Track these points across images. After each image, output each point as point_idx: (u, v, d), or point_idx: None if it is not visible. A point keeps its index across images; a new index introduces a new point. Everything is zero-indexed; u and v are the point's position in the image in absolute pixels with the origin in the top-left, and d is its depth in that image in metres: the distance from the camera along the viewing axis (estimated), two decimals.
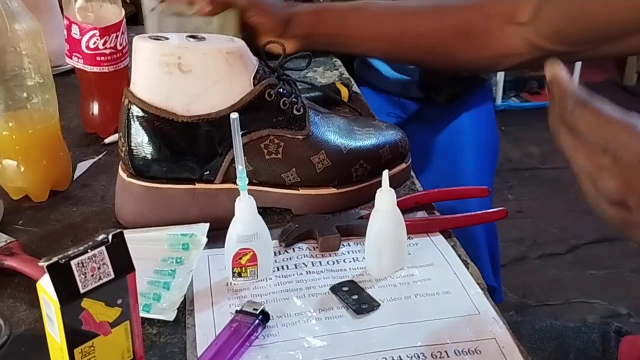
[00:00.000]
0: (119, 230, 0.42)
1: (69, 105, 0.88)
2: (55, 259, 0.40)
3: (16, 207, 0.72)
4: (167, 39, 0.64)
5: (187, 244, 0.64)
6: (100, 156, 0.82)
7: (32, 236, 0.68)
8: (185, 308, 0.58)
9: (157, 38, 0.64)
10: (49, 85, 0.71)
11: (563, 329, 0.84)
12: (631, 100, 3.05)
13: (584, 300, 1.90)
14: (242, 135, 0.66)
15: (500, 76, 2.92)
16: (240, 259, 0.60)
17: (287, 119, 0.67)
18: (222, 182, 0.67)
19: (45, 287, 0.41)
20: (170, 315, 0.56)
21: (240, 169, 0.57)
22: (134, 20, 1.25)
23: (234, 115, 0.56)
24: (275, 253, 0.64)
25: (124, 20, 0.83)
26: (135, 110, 0.65)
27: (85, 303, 0.41)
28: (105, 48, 0.81)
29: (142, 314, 0.55)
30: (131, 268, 0.43)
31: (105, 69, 0.82)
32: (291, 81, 0.70)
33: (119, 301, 0.43)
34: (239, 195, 0.59)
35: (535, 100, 3.04)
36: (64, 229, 0.69)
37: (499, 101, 2.97)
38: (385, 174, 0.59)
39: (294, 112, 0.68)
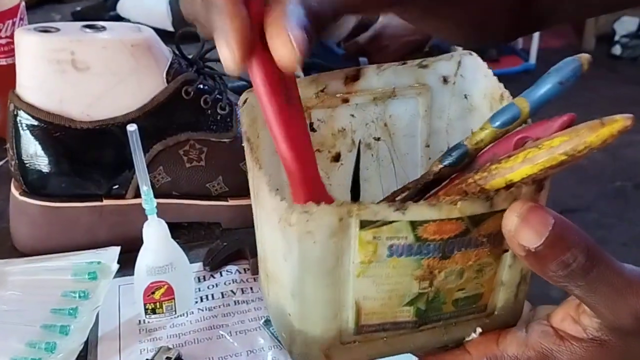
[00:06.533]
0: None
1: None
2: None
3: None
4: (58, 30, 0.54)
5: (94, 272, 0.54)
6: (0, 163, 0.71)
7: None
8: (87, 354, 0.49)
9: (45, 30, 0.53)
10: None
11: None
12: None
13: None
14: (157, 141, 0.56)
15: None
16: (153, 293, 0.50)
17: (209, 120, 0.58)
18: (135, 197, 0.57)
19: None
20: None
21: (146, 189, 0.48)
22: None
23: (132, 128, 0.45)
24: (199, 279, 0.55)
25: (23, 3, 0.72)
26: (24, 117, 0.54)
27: None
28: (1, 38, 0.70)
29: None
30: None
31: (4, 62, 0.71)
32: (215, 74, 0.61)
33: None
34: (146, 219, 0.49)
35: (495, 68, 2.97)
36: None
37: None
38: None
39: (218, 111, 0.58)
